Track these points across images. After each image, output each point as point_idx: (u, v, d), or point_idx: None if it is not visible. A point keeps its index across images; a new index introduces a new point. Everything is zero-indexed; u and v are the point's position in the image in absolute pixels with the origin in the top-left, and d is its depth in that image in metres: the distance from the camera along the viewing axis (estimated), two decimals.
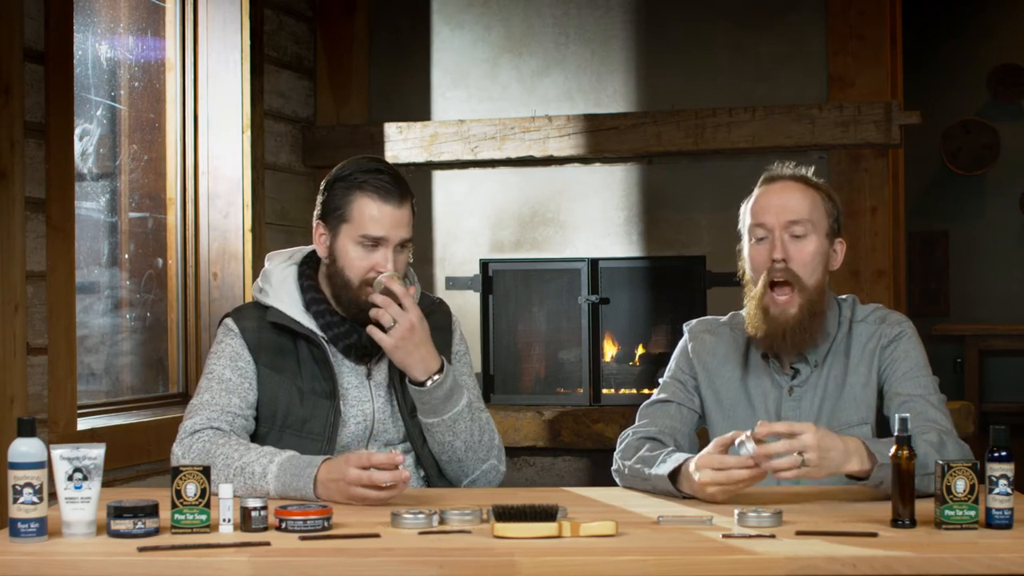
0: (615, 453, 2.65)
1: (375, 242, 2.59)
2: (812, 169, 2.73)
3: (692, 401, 2.72)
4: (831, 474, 2.29)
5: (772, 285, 2.59)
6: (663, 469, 2.44)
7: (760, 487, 2.47)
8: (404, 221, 2.61)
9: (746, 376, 2.69)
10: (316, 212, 2.68)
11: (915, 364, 2.61)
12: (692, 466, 2.36)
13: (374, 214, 2.59)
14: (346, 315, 2.65)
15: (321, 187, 2.69)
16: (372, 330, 2.57)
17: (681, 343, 2.80)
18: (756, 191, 2.68)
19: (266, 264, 2.76)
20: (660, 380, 2.79)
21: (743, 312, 2.75)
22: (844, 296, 2.74)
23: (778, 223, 2.59)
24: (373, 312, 2.57)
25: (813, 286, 2.60)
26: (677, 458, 2.44)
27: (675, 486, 2.41)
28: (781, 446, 2.24)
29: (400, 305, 2.56)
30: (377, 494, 2.33)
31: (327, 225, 2.65)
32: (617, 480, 2.64)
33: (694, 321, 2.81)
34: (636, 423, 2.71)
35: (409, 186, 2.66)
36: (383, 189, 2.59)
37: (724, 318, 2.79)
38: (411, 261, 2.72)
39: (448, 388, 2.61)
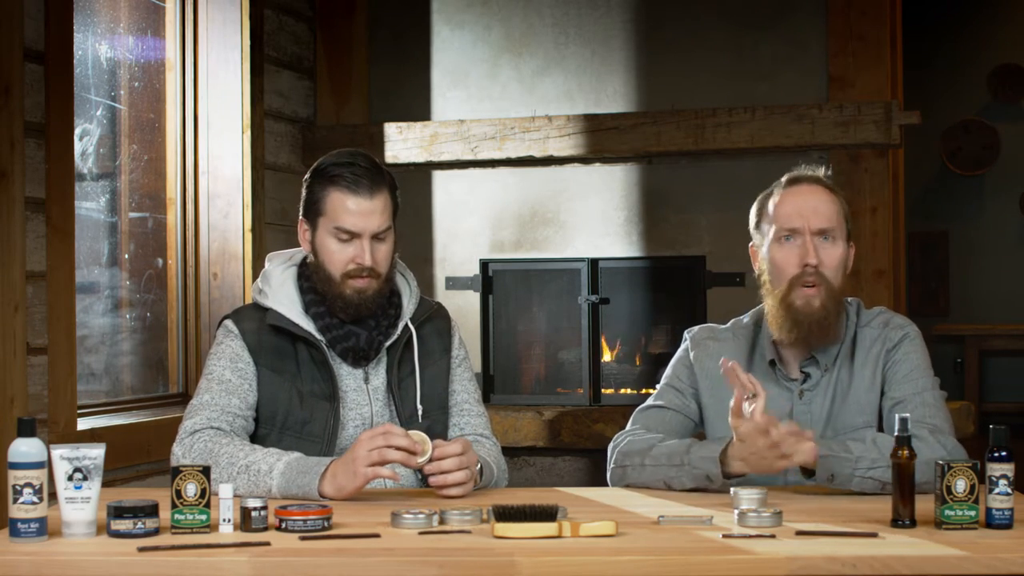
0: (614, 453, 2.65)
1: (349, 234, 2.60)
2: (829, 171, 2.73)
3: (688, 408, 2.72)
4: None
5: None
6: (710, 451, 2.45)
7: (760, 482, 2.48)
8: (377, 211, 2.60)
9: None
10: (300, 210, 2.70)
11: (915, 366, 2.61)
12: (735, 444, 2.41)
13: (346, 206, 2.59)
14: (336, 313, 2.65)
15: (303, 184, 2.70)
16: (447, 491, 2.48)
17: (680, 350, 2.78)
18: (780, 191, 2.66)
19: (266, 265, 2.76)
20: (657, 386, 2.79)
21: (744, 319, 2.75)
22: (849, 300, 2.74)
23: (809, 228, 2.59)
24: (441, 480, 2.46)
25: (839, 288, 2.61)
26: (721, 440, 2.47)
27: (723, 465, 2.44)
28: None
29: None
30: (391, 456, 2.36)
31: (308, 221, 2.67)
32: (615, 479, 2.63)
33: (696, 328, 2.80)
34: (629, 427, 2.71)
35: (386, 175, 2.65)
36: (354, 181, 2.59)
37: (726, 325, 2.78)
38: (398, 252, 2.71)
39: (484, 482, 2.60)
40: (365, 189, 2.60)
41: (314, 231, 2.65)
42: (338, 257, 2.61)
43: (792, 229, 2.60)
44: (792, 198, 2.63)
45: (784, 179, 2.69)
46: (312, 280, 2.69)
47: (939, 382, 2.63)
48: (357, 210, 2.59)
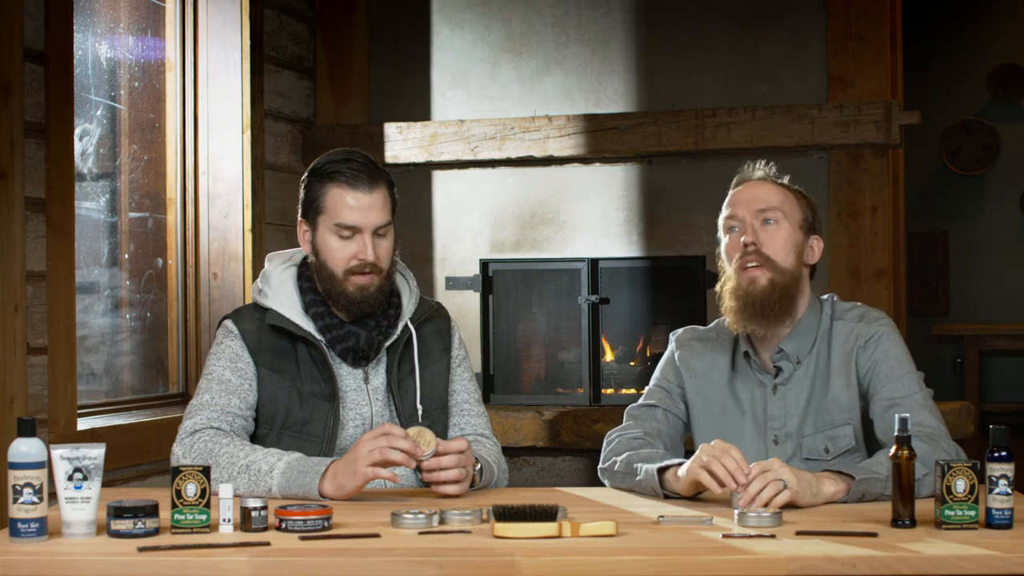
0: (604, 451, 2.66)
1: (351, 230, 2.60)
2: (787, 178, 2.75)
3: (677, 407, 2.75)
4: (813, 498, 2.31)
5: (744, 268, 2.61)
6: (653, 465, 2.46)
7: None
8: (377, 206, 2.61)
9: (733, 379, 2.71)
10: (299, 211, 2.70)
11: (896, 364, 2.60)
12: (683, 469, 2.37)
13: (346, 202, 2.60)
14: (339, 312, 2.65)
15: (300, 186, 2.71)
16: (445, 490, 2.47)
17: (667, 352, 2.81)
18: (729, 191, 2.73)
19: (266, 265, 2.77)
20: (647, 387, 2.81)
21: (727, 318, 2.76)
22: (825, 296, 2.75)
23: (749, 212, 2.63)
24: (436, 476, 2.46)
25: (787, 269, 2.61)
26: (671, 460, 2.46)
27: (661, 484, 2.42)
28: (757, 483, 2.25)
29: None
30: (392, 457, 2.35)
31: (308, 221, 2.67)
32: (604, 478, 2.64)
33: (680, 330, 2.83)
34: (623, 424, 2.73)
35: (384, 171, 2.66)
36: (352, 176, 2.60)
37: (710, 325, 2.81)
38: (398, 249, 2.72)
39: (484, 481, 2.60)
40: (364, 184, 2.60)
41: (314, 230, 2.65)
42: (340, 254, 2.61)
43: (732, 216, 2.66)
44: (735, 194, 2.70)
45: (733, 180, 2.75)
46: (312, 280, 2.69)
47: (923, 376, 2.63)
48: (357, 205, 2.59)
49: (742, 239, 2.62)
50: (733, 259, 2.64)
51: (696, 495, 2.40)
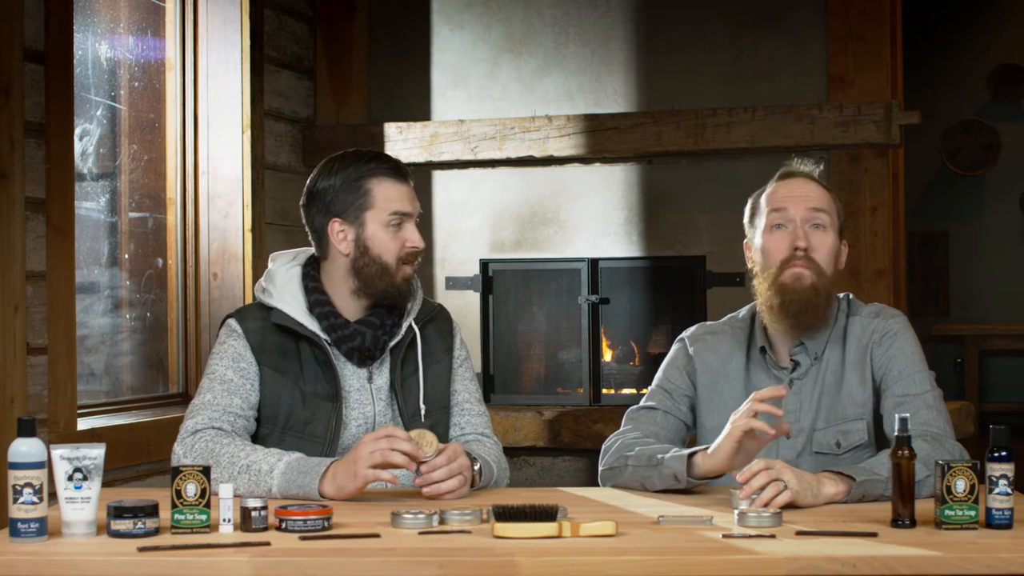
0: (605, 454, 2.65)
1: (402, 217, 2.65)
2: (821, 167, 2.75)
3: (679, 410, 2.73)
4: (814, 499, 2.31)
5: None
6: (682, 451, 2.46)
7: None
8: (414, 195, 2.72)
9: (748, 373, 2.70)
10: (320, 216, 2.68)
11: (910, 362, 2.60)
12: (716, 441, 2.38)
13: (396, 192, 2.66)
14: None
15: (316, 192, 2.68)
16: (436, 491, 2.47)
17: (674, 351, 2.79)
18: (774, 183, 2.69)
19: (270, 264, 2.76)
20: (649, 387, 2.80)
21: (740, 313, 2.75)
22: (841, 294, 2.75)
23: (800, 212, 2.61)
24: (430, 479, 2.46)
25: (830, 277, 2.62)
26: (696, 448, 2.47)
27: (690, 468, 2.42)
28: (760, 478, 2.26)
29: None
30: (394, 459, 2.35)
31: (346, 221, 2.65)
32: (607, 481, 2.64)
33: (691, 328, 2.81)
34: (621, 427, 2.72)
35: None
36: (394, 170, 2.68)
37: (721, 320, 2.79)
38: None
39: (484, 481, 2.61)
40: (403, 175, 2.70)
41: (360, 228, 2.64)
42: (392, 244, 2.65)
43: (782, 209, 2.62)
44: (784, 188, 2.67)
45: (778, 173, 2.72)
46: (318, 280, 2.69)
47: (934, 375, 2.63)
48: (405, 194, 2.67)
49: (796, 243, 2.59)
50: (778, 257, 2.61)
51: (719, 476, 2.42)
